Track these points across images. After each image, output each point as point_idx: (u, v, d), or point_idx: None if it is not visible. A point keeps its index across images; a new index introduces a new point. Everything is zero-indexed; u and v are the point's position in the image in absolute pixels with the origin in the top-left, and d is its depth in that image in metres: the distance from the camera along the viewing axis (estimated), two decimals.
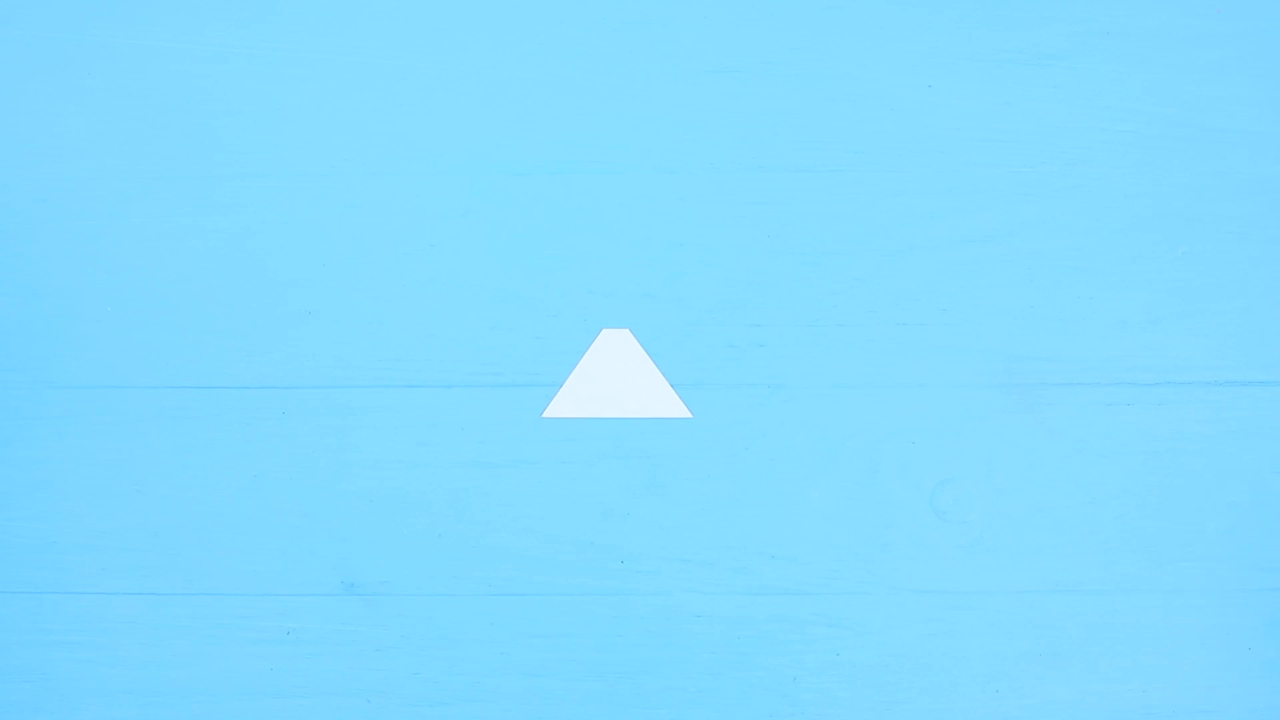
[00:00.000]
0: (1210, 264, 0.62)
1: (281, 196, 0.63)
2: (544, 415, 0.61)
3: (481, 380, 0.61)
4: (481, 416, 0.61)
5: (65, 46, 0.63)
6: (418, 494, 0.61)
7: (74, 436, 0.62)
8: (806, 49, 0.63)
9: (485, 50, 0.63)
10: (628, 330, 0.63)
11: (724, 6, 0.63)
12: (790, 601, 0.62)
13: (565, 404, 0.61)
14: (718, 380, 0.61)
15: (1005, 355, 0.61)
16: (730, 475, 0.62)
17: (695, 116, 0.63)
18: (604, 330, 0.61)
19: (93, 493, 0.62)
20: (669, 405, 0.62)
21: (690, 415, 0.62)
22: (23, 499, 0.63)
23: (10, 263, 0.63)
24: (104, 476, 0.62)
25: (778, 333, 0.61)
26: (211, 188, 0.63)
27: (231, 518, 0.62)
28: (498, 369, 0.61)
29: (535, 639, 0.62)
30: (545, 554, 0.62)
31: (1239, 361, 0.61)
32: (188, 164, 0.63)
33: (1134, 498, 0.61)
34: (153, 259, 0.63)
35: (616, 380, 0.60)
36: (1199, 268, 0.62)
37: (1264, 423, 0.61)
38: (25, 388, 0.63)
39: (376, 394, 0.61)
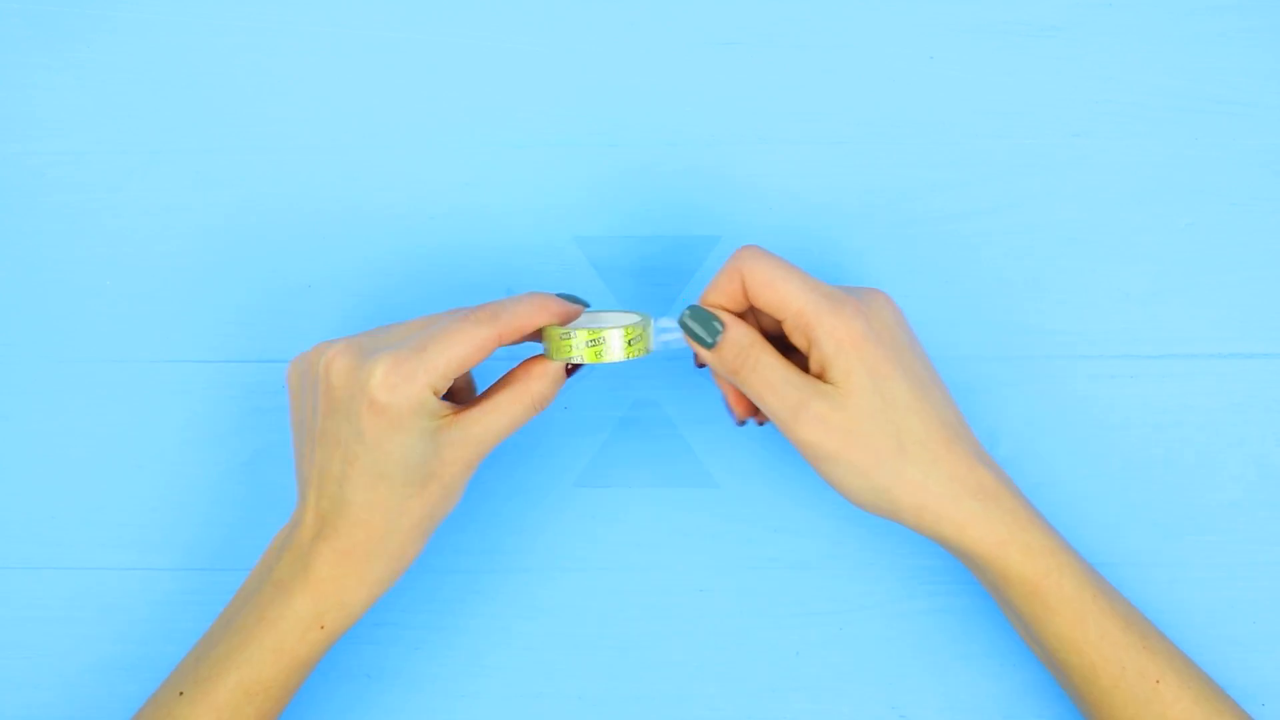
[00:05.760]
0: (1214, 236, 0.61)
1: (281, 170, 0.63)
2: None
3: None
4: None
5: (63, 18, 0.63)
6: None
7: (72, 411, 0.62)
8: (807, 20, 0.62)
9: (485, 22, 0.63)
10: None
11: None
12: (794, 576, 0.61)
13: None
14: None
15: (1008, 327, 0.61)
16: (734, 451, 0.62)
17: (695, 89, 0.62)
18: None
19: (91, 468, 0.62)
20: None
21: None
22: (21, 474, 0.62)
23: (8, 237, 0.63)
24: (102, 452, 0.62)
25: None
26: (211, 160, 0.63)
27: (232, 494, 0.62)
28: None
29: (536, 614, 0.61)
30: (546, 528, 0.62)
31: (1243, 333, 0.61)
32: (187, 137, 0.63)
33: (1137, 471, 0.61)
34: (152, 233, 0.63)
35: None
36: (1202, 240, 0.61)
37: (1269, 395, 0.61)
38: (24, 362, 0.63)
39: None
